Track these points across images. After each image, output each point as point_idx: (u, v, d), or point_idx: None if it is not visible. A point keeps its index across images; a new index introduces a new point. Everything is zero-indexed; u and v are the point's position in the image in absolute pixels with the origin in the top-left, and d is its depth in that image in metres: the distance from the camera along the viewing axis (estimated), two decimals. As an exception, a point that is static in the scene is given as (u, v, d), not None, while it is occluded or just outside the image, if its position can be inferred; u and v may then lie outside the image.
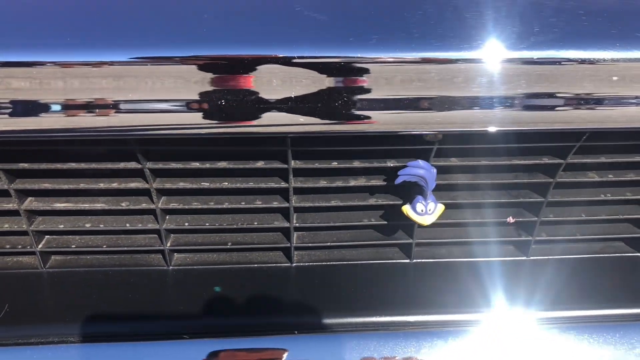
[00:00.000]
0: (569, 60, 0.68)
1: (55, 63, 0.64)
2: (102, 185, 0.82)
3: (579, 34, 0.69)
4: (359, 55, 0.66)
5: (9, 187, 0.80)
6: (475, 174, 0.87)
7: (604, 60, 0.68)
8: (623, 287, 0.90)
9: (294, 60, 0.65)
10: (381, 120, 0.70)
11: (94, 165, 0.79)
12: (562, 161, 0.83)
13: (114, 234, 0.91)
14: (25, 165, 0.78)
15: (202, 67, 0.65)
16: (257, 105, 0.67)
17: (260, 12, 0.69)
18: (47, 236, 0.90)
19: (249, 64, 0.65)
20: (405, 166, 0.81)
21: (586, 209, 0.93)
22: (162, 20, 0.67)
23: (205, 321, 0.83)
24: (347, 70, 0.66)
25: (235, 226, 0.89)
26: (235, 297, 0.87)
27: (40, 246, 0.89)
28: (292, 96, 0.67)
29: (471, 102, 0.69)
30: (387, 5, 0.70)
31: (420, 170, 0.80)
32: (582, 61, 0.68)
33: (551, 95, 0.70)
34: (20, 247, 0.89)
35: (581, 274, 0.92)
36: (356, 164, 0.82)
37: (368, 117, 0.69)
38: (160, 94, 0.66)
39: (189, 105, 0.67)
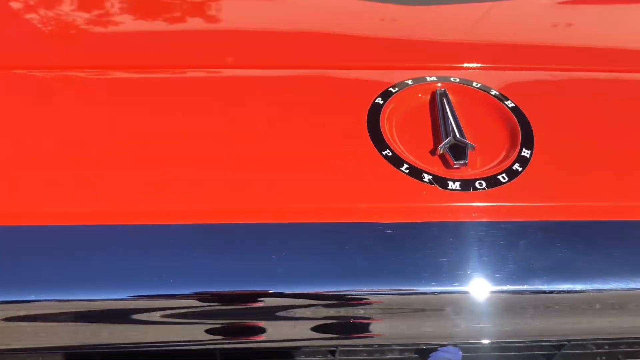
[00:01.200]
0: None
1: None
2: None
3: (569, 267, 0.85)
4: (374, 289, 0.82)
5: None
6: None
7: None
8: None
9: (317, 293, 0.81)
10: (390, 335, 0.88)
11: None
12: (567, 342, 0.98)
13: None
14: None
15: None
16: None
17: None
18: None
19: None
20: (436, 349, 0.95)
21: (584, 365, 1.09)
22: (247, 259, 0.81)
23: None
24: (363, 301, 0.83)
25: (284, 383, 1.03)
26: None
27: None
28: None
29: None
30: (394, 248, 0.84)
31: (449, 354, 0.95)
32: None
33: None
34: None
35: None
36: (394, 345, 0.97)
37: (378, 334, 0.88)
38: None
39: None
